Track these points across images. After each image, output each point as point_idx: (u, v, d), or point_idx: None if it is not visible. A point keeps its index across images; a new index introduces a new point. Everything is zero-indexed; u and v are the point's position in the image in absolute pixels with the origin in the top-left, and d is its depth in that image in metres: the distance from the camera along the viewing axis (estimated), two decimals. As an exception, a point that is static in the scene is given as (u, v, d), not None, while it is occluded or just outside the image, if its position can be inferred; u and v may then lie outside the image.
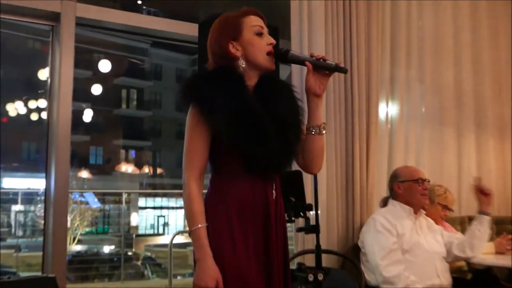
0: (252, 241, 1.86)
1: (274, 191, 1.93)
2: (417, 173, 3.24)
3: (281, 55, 1.97)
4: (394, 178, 3.25)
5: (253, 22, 1.95)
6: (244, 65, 1.93)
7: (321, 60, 1.94)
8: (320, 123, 1.98)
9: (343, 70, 1.94)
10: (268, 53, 1.94)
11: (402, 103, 4.02)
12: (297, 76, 3.38)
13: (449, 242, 3.24)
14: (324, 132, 1.99)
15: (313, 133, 1.98)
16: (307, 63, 1.94)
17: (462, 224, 4.04)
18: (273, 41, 1.97)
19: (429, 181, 3.22)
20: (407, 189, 3.17)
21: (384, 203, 3.30)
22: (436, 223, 3.37)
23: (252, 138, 1.82)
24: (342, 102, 3.59)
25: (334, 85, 3.55)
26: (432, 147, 4.25)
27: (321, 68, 1.94)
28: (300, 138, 1.98)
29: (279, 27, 2.57)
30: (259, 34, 1.95)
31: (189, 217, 1.83)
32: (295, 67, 3.34)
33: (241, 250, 1.83)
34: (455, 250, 3.21)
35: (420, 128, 4.21)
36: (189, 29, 3.56)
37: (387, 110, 3.92)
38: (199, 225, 1.81)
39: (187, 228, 1.87)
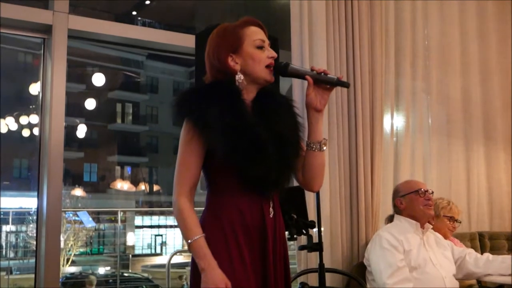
0: (249, 261, 1.86)
1: (271, 209, 1.93)
2: (417, 184, 3.26)
3: (281, 69, 1.97)
4: (395, 194, 3.28)
5: (254, 35, 1.94)
6: (241, 79, 1.92)
7: (322, 74, 1.93)
8: (321, 139, 1.98)
9: (345, 85, 1.95)
10: (267, 66, 1.94)
11: (408, 115, 4.03)
12: (298, 89, 3.39)
13: (460, 257, 3.24)
14: (324, 148, 1.99)
15: (313, 149, 1.98)
16: (307, 77, 1.94)
17: (472, 240, 4.04)
18: (274, 54, 1.96)
19: (432, 192, 3.22)
20: (409, 202, 3.19)
21: (389, 220, 3.31)
22: (445, 238, 3.37)
23: (248, 155, 1.82)
24: (345, 114, 3.60)
25: (336, 97, 3.56)
26: (440, 160, 4.26)
27: (322, 82, 1.94)
28: (299, 155, 1.98)
29: (278, 38, 2.58)
30: (260, 48, 1.94)
31: (185, 231, 1.83)
32: (296, 80, 3.36)
33: (240, 268, 1.83)
34: (469, 265, 3.21)
35: (427, 140, 4.22)
36: (186, 41, 3.58)
37: (392, 122, 3.93)
38: (198, 236, 1.81)
39: (186, 248, 1.87)
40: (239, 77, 1.92)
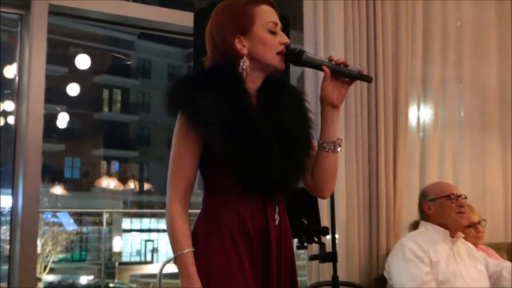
0: (250, 272, 1.86)
1: (277, 215, 1.93)
2: (448, 188, 3.27)
3: (294, 57, 1.97)
4: (423, 197, 3.29)
5: (267, 17, 1.94)
6: (246, 65, 1.92)
7: (342, 65, 1.94)
8: (335, 139, 1.98)
9: (367, 79, 1.96)
10: (279, 53, 1.94)
11: (437, 107, 4.03)
12: (311, 79, 3.39)
13: (495, 272, 3.24)
14: (339, 149, 1.99)
15: (326, 150, 1.98)
16: (324, 68, 1.94)
17: (510, 252, 4.02)
18: (287, 40, 1.96)
19: (465, 197, 3.22)
20: (439, 208, 3.19)
21: (414, 227, 3.31)
22: (476, 247, 3.38)
23: (250, 152, 1.82)
24: (364, 105, 3.60)
25: (354, 85, 3.54)
26: (473, 158, 4.25)
27: (341, 75, 1.94)
28: (310, 155, 1.99)
29: (289, 16, 2.58)
30: (273, 32, 1.95)
31: (172, 242, 1.85)
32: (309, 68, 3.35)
33: (240, 280, 1.84)
34: (506, 282, 3.21)
35: (458, 136, 4.21)
36: (183, 19, 3.58)
37: (418, 114, 3.93)
38: (184, 251, 1.83)
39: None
40: (244, 62, 1.92)
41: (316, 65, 1.98)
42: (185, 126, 1.86)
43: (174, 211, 1.86)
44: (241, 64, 1.92)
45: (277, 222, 1.93)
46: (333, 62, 1.94)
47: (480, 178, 4.27)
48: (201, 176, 1.95)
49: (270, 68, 1.95)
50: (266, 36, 1.93)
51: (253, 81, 1.94)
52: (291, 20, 2.61)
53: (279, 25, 1.97)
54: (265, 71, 1.96)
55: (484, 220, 3.54)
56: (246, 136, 1.83)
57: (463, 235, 3.24)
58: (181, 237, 1.85)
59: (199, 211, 1.96)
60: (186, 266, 1.82)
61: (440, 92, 4.08)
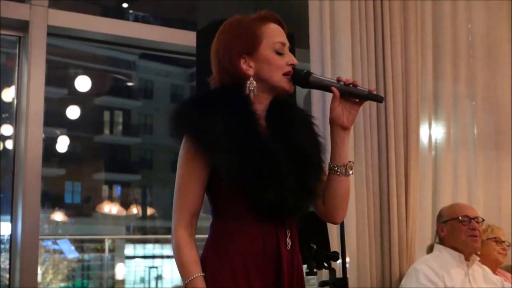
0: None
1: (288, 240, 1.93)
2: (461, 210, 3.26)
3: (301, 79, 1.97)
4: (438, 219, 3.32)
5: (275, 37, 1.95)
6: (254, 86, 1.92)
7: (351, 85, 1.94)
8: (347, 161, 1.99)
9: (377, 99, 1.96)
10: (285, 74, 1.95)
11: (449, 125, 4.03)
12: (318, 101, 3.39)
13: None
14: (351, 172, 2.00)
15: (337, 173, 1.98)
16: (333, 89, 1.94)
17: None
18: (294, 61, 1.97)
19: (482, 220, 3.21)
20: (450, 230, 3.20)
21: (431, 250, 3.31)
22: (497, 264, 3.38)
23: (262, 179, 1.82)
24: (374, 124, 3.60)
25: (364, 104, 3.53)
26: (488, 178, 4.24)
27: (351, 95, 1.95)
28: (321, 179, 1.99)
29: (294, 34, 2.60)
30: (279, 53, 1.95)
31: (181, 268, 1.85)
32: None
33: None
34: None
35: (472, 155, 4.21)
36: (185, 38, 3.60)
37: (430, 133, 3.93)
38: (194, 276, 1.82)
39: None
40: (251, 83, 1.92)
41: (324, 87, 1.99)
42: (192, 150, 1.86)
43: (180, 237, 1.86)
44: (248, 86, 1.92)
45: (288, 246, 1.93)
46: (341, 83, 1.94)
47: (495, 199, 4.25)
48: (209, 201, 1.96)
49: (278, 90, 1.96)
50: (272, 57, 1.93)
51: (261, 102, 1.95)
52: (296, 38, 2.62)
53: (287, 45, 1.98)
54: (273, 92, 1.96)
55: (509, 244, 3.54)
56: (258, 162, 1.83)
57: (478, 258, 3.23)
58: (190, 263, 1.84)
59: (204, 236, 1.96)
60: None
61: (452, 110, 4.08)
